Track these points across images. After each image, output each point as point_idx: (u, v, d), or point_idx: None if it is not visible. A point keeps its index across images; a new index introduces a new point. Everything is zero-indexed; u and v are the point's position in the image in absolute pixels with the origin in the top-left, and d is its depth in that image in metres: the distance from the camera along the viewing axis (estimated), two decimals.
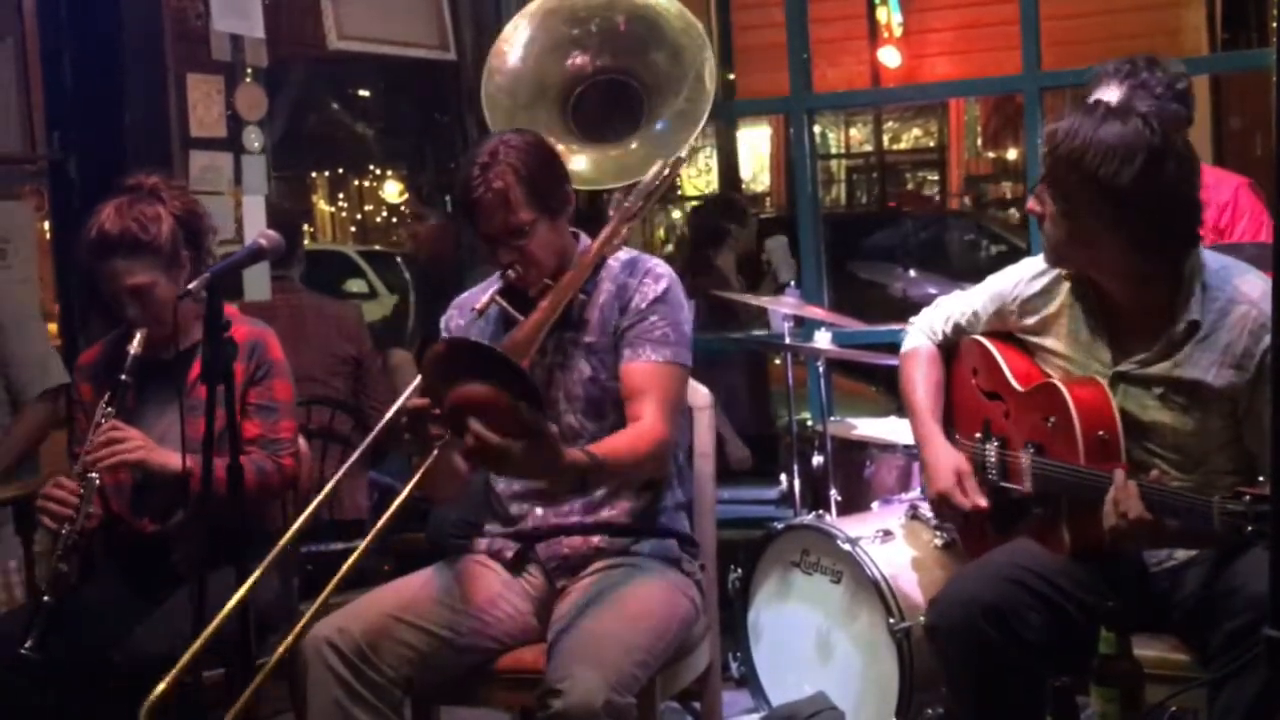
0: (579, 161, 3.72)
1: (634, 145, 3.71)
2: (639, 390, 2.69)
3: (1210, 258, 2.60)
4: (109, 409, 2.93)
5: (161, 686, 2.24)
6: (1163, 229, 2.49)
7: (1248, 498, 2.18)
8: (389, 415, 2.56)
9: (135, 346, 2.97)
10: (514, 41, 3.85)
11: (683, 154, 3.37)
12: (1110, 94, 3.62)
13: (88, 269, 3.06)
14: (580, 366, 2.76)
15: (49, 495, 2.89)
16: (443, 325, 2.94)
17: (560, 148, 3.05)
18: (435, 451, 2.45)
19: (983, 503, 2.73)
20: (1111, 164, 2.43)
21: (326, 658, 2.50)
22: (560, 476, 2.43)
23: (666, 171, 2.91)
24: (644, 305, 2.74)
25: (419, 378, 2.46)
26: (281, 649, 2.38)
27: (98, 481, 2.89)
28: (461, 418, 2.29)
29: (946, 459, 2.80)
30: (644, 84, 3.74)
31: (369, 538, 2.43)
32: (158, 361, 3.06)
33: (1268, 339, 2.45)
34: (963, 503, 2.73)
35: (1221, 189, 3.72)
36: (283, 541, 2.53)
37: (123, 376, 2.94)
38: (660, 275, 2.79)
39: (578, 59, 3.80)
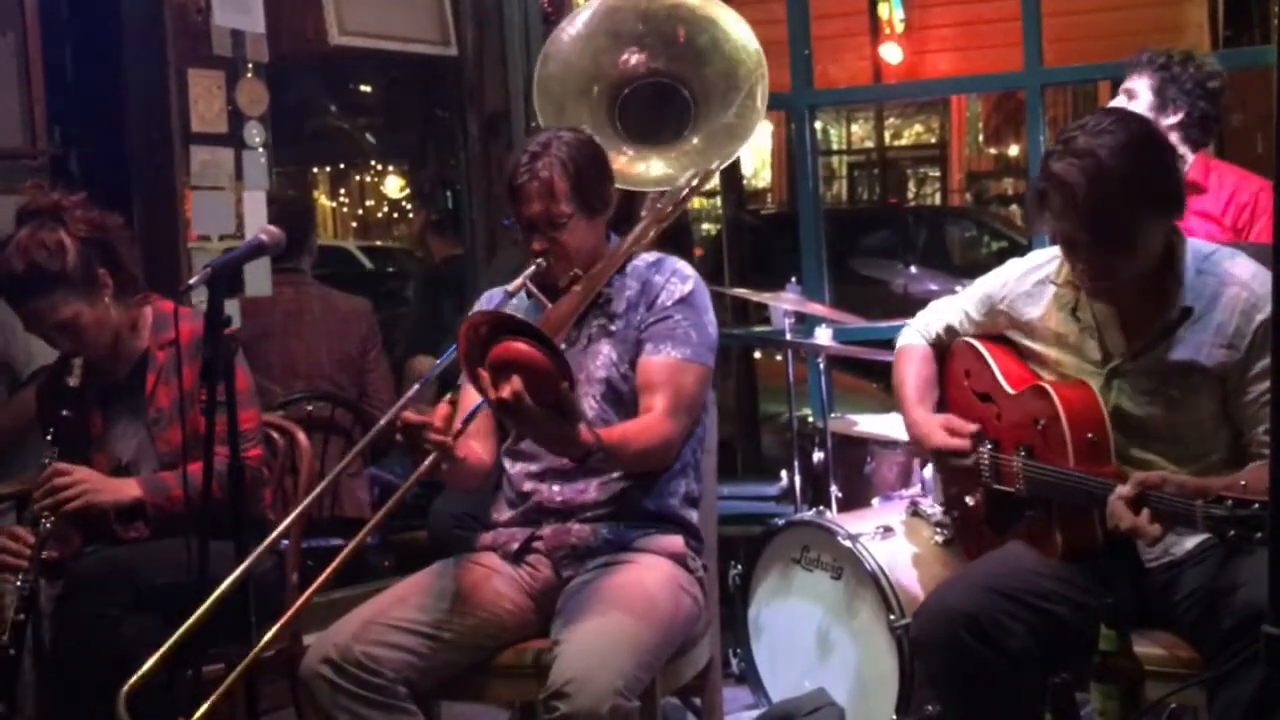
0: (621, 161, 3.71)
1: (677, 153, 3.70)
2: (653, 384, 2.73)
3: (1199, 245, 2.63)
4: (53, 449, 2.91)
5: (149, 665, 2.33)
6: (1178, 192, 2.53)
7: (1230, 502, 2.19)
8: (392, 412, 2.61)
9: (74, 379, 2.94)
10: (573, 30, 3.83)
11: (714, 167, 3.39)
12: (1141, 82, 3.67)
13: (14, 308, 2.98)
14: (605, 352, 2.80)
15: (7, 551, 2.85)
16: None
17: (605, 146, 3.07)
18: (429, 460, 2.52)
19: (973, 427, 2.74)
20: (1128, 161, 2.45)
21: (328, 676, 2.52)
22: (567, 450, 2.54)
23: (698, 180, 2.98)
24: (669, 303, 2.79)
25: (450, 349, 2.52)
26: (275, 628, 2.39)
27: (49, 526, 2.86)
28: (505, 371, 2.36)
29: (932, 420, 2.82)
30: (694, 93, 3.73)
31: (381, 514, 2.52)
32: (115, 382, 3.06)
33: (1259, 318, 2.50)
34: (960, 444, 2.74)
35: (1243, 190, 3.76)
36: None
37: (64, 412, 2.92)
38: (686, 276, 2.84)
39: (633, 57, 3.78)
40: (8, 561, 2.84)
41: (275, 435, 3.26)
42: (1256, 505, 2.16)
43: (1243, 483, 2.30)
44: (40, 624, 3.23)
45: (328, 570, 2.46)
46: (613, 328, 2.81)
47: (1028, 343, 2.78)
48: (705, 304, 2.84)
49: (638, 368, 2.77)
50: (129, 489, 2.92)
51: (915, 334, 3.02)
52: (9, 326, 3.75)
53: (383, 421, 2.74)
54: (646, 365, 2.75)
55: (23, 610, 2.81)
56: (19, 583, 2.81)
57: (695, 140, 3.69)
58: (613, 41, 3.77)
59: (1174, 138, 3.73)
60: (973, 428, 2.74)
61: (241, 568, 2.42)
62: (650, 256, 2.88)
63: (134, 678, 2.31)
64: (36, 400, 3.16)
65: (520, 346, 2.36)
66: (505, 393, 2.34)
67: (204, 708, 2.37)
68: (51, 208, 2.95)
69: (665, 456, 2.73)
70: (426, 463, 2.52)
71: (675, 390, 2.72)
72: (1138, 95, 3.74)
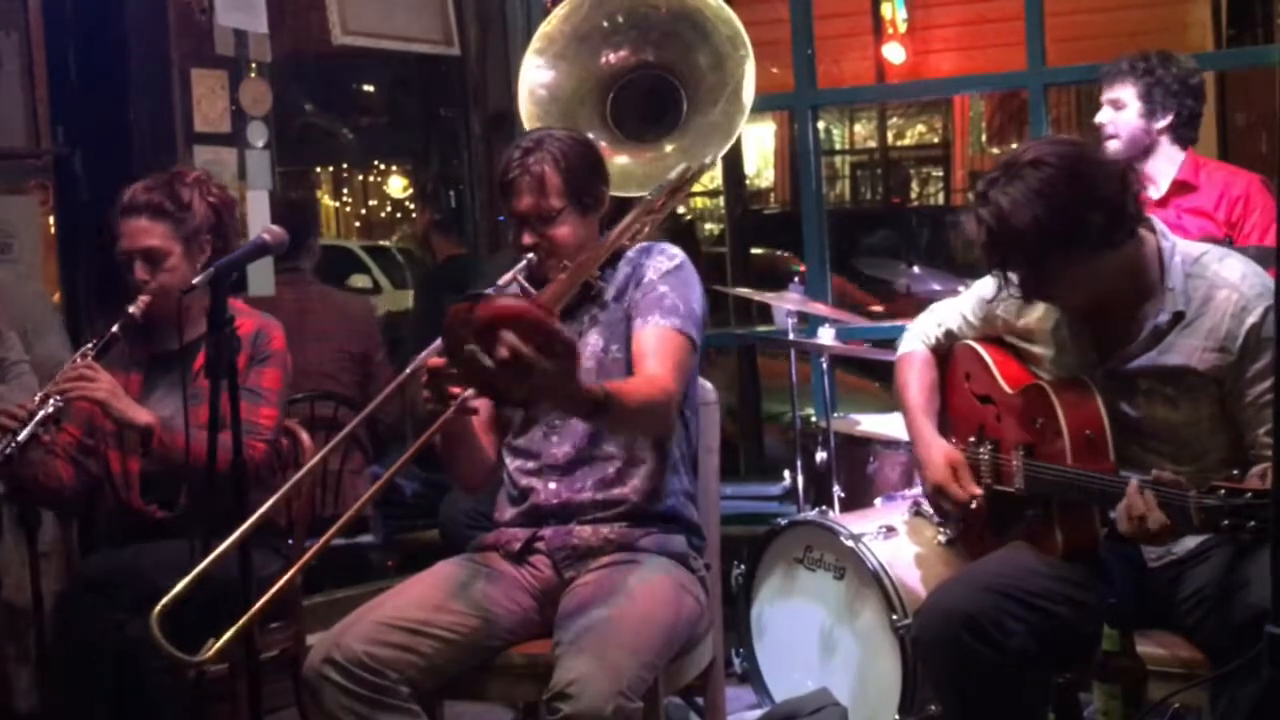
0: (616, 163, 3.70)
1: (667, 150, 3.69)
2: (648, 351, 2.71)
3: (1188, 247, 2.62)
4: (91, 349, 2.96)
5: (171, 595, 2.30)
6: (1100, 232, 2.48)
7: (1223, 491, 2.19)
8: (409, 370, 2.58)
9: (135, 308, 3.00)
10: (556, 32, 3.82)
11: (708, 160, 3.39)
12: (1126, 90, 3.72)
13: (115, 231, 3.10)
14: (592, 340, 2.80)
15: (3, 410, 2.91)
16: None
17: (601, 145, 3.08)
18: (451, 410, 2.46)
19: (978, 491, 2.74)
20: (1031, 211, 2.43)
21: (330, 675, 2.51)
22: (572, 403, 2.46)
23: (690, 175, 2.98)
24: (655, 277, 2.78)
25: (439, 339, 2.46)
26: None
27: (52, 409, 2.88)
28: (494, 332, 2.27)
29: (939, 453, 2.82)
30: (685, 84, 3.73)
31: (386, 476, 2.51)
32: (164, 352, 3.09)
33: (1250, 320, 2.50)
34: (959, 494, 2.75)
35: (1234, 184, 3.79)
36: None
37: (114, 329, 2.97)
38: (674, 255, 2.84)
39: (621, 52, 3.77)
40: (3, 421, 2.88)
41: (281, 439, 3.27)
42: (1249, 495, 2.16)
43: (1235, 471, 2.30)
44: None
45: (322, 540, 2.43)
46: (602, 317, 2.81)
47: (1025, 345, 2.79)
48: (692, 281, 2.82)
49: (632, 341, 2.75)
50: (144, 414, 2.96)
51: (915, 340, 3.03)
52: (30, 333, 3.74)
53: (371, 405, 2.73)
54: (639, 337, 2.74)
55: None
56: (4, 443, 2.85)
57: (685, 137, 3.69)
58: (599, 37, 3.77)
59: (1165, 140, 3.76)
60: (977, 490, 2.74)
61: (243, 528, 2.39)
62: (641, 244, 2.88)
63: (166, 598, 2.30)
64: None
65: (500, 303, 2.30)
66: (502, 350, 2.25)
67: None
68: (195, 178, 3.15)
69: (666, 415, 2.69)
70: (447, 414, 2.47)
71: (668, 354, 2.70)
72: (1126, 104, 3.77)
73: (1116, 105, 3.79)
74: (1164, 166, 3.81)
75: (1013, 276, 2.58)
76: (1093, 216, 2.46)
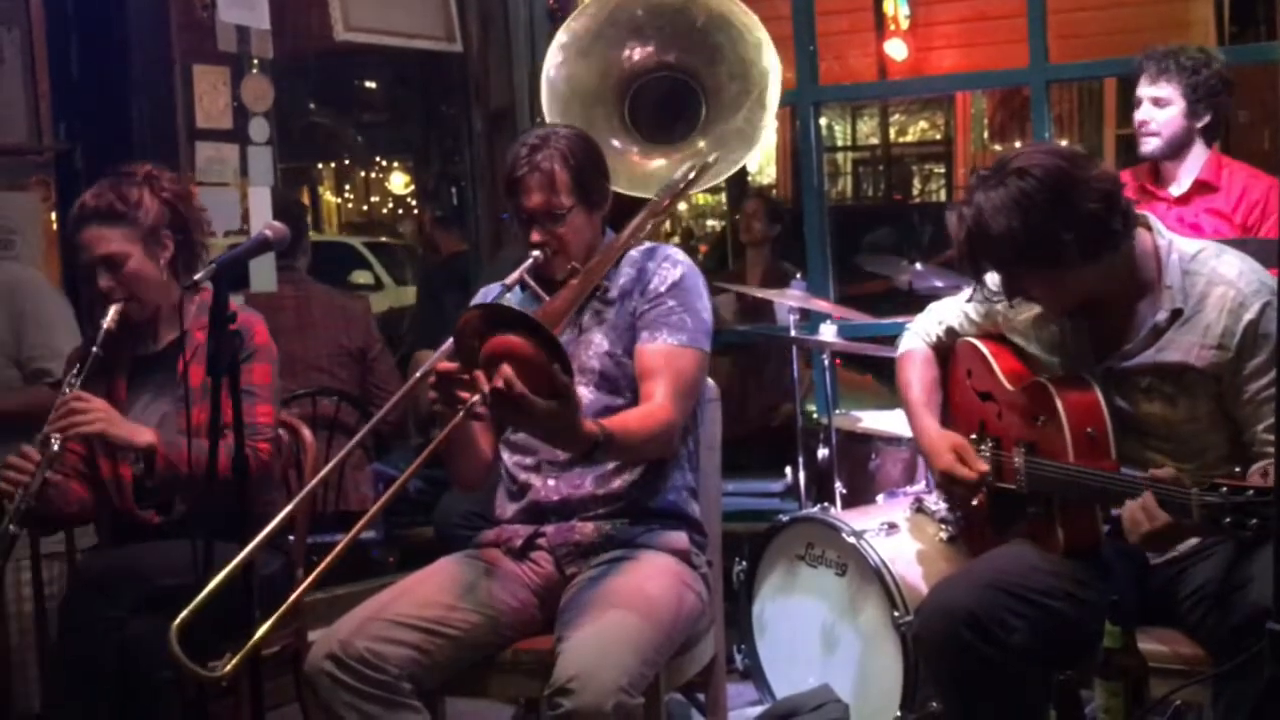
0: (632, 160, 3.67)
1: (687, 153, 3.68)
2: (652, 371, 2.72)
3: (1184, 244, 2.62)
4: (75, 379, 2.93)
5: (186, 612, 2.30)
6: (1074, 250, 2.47)
7: (1224, 489, 2.19)
8: (419, 374, 2.58)
9: (109, 320, 2.97)
10: (581, 27, 3.80)
11: (711, 160, 3.38)
12: (1170, 88, 3.69)
13: (71, 244, 3.07)
14: (596, 340, 2.80)
15: (8, 463, 2.89)
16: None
17: (616, 144, 3.07)
18: (459, 414, 2.45)
19: (985, 468, 2.73)
20: (1005, 224, 2.45)
21: (332, 672, 2.51)
22: (571, 443, 2.49)
23: (694, 173, 2.98)
24: (662, 289, 2.78)
25: (450, 340, 2.47)
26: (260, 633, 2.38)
27: (56, 448, 2.87)
28: (495, 363, 2.32)
29: (942, 439, 2.82)
30: (704, 89, 3.72)
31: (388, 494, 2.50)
32: (147, 354, 3.08)
33: (1247, 316, 2.50)
34: (966, 474, 2.74)
35: (1254, 188, 3.77)
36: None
37: (94, 348, 2.94)
38: (678, 262, 2.83)
39: (648, 48, 3.76)
40: (12, 476, 2.86)
41: (281, 432, 3.27)
42: (1251, 492, 2.16)
43: (1237, 469, 2.30)
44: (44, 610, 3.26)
45: (338, 548, 2.44)
46: (606, 316, 2.81)
47: (1025, 342, 2.79)
48: (699, 289, 2.83)
49: (635, 356, 2.77)
50: (145, 434, 2.94)
51: (916, 338, 3.03)
52: (29, 317, 3.73)
53: (381, 413, 2.74)
54: (643, 353, 2.75)
55: (15, 523, 2.83)
56: (18, 495, 2.83)
57: (704, 141, 3.68)
58: (621, 35, 3.75)
59: (1198, 139, 3.75)
60: (984, 467, 2.74)
61: (255, 542, 2.40)
62: (644, 245, 2.89)
63: (184, 613, 2.30)
64: (68, 363, 3.18)
65: (508, 339, 2.33)
66: (497, 381, 2.30)
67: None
68: (145, 175, 3.09)
69: (668, 443, 2.73)
70: (456, 420, 2.46)
71: (673, 376, 2.71)
72: (1170, 102, 3.71)
73: (1159, 103, 3.73)
74: (1189, 166, 3.80)
75: (987, 279, 2.60)
76: (1067, 235, 2.45)
